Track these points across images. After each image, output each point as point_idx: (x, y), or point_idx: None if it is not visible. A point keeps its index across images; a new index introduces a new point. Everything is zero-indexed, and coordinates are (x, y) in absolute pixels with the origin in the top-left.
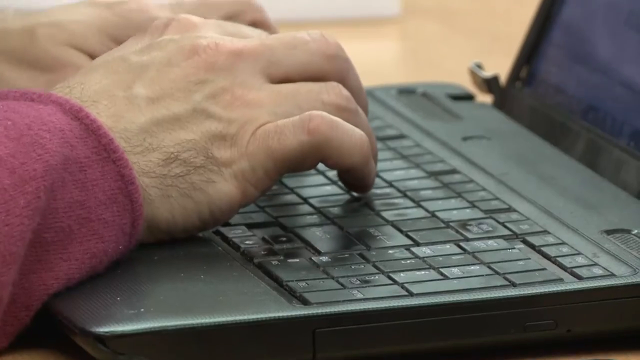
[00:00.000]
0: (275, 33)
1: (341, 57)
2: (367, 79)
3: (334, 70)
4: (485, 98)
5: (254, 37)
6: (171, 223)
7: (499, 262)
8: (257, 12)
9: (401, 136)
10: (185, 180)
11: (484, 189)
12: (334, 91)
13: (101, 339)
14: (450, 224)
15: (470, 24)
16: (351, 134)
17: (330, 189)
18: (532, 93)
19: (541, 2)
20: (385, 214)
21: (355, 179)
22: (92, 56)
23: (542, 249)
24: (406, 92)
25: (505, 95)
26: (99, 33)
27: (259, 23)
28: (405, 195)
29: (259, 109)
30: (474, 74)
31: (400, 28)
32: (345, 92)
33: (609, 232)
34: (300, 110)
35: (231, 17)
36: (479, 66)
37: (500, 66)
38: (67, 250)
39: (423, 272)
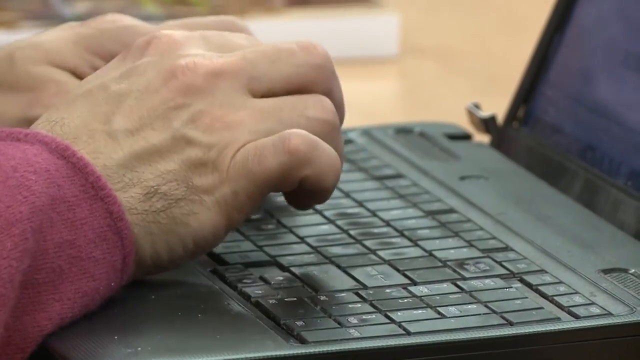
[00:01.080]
0: None
1: (327, 67)
2: (365, 118)
3: (319, 81)
4: (483, 138)
5: (237, 51)
6: (156, 258)
7: (496, 301)
8: (242, 31)
9: (398, 175)
10: (166, 215)
11: (481, 228)
12: (319, 105)
13: None
14: (448, 263)
15: (467, 65)
16: (329, 155)
17: (327, 228)
18: (530, 133)
19: (538, 42)
20: (382, 253)
21: (315, 200)
22: (71, 70)
23: (539, 288)
24: (403, 131)
25: (503, 135)
26: (75, 46)
27: None
28: (402, 235)
29: (240, 129)
30: (471, 114)
31: (398, 68)
32: (330, 105)
33: (606, 271)
34: (284, 127)
35: None
36: (477, 106)
37: (498, 106)
38: (58, 290)
39: (420, 311)
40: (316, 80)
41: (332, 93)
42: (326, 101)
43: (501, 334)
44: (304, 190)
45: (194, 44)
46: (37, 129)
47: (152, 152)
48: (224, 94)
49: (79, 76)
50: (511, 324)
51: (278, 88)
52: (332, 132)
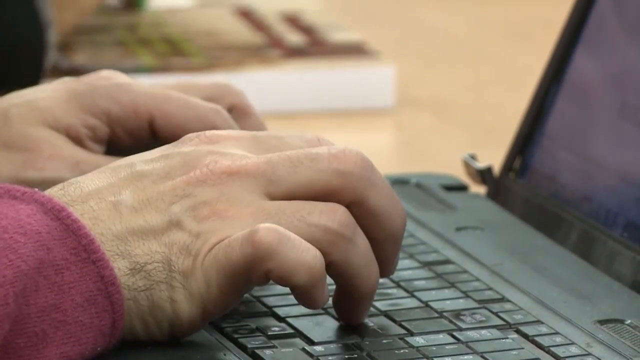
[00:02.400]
0: (254, 118)
1: (357, 174)
2: None
3: (346, 188)
4: (479, 189)
5: (267, 154)
6: (132, 334)
7: (492, 351)
8: (236, 96)
9: None
10: (146, 297)
11: (477, 279)
12: (327, 213)
13: None
14: (444, 313)
15: (464, 116)
16: (300, 251)
17: None
18: (526, 184)
19: (535, 93)
20: (378, 304)
21: (300, 300)
22: (65, 130)
23: (536, 338)
24: (400, 182)
25: (499, 186)
26: (68, 105)
27: (237, 107)
28: (398, 286)
29: (232, 223)
30: (467, 165)
31: (394, 119)
32: (343, 216)
33: (602, 322)
34: None
35: (211, 100)
36: (473, 157)
37: (494, 157)
38: (42, 355)
39: None
40: (343, 188)
41: (365, 201)
42: (339, 210)
43: None
44: (292, 291)
45: (237, 144)
46: (49, 189)
47: (147, 231)
48: (234, 192)
49: (73, 136)
50: None
51: (300, 193)
52: (337, 241)
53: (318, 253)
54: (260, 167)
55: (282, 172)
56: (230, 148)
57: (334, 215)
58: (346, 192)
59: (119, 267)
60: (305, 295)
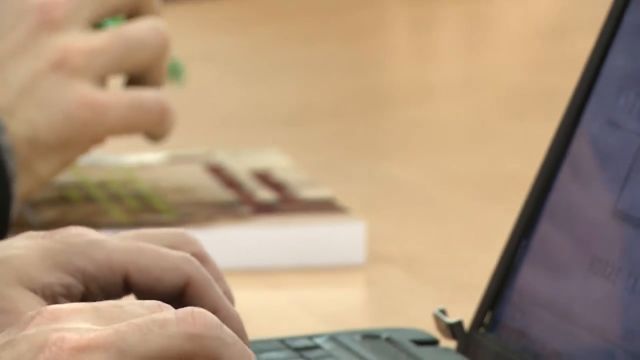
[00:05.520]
0: (212, 266)
1: (208, 335)
2: (332, 326)
3: (199, 351)
4: (450, 343)
5: (112, 325)
6: None
7: None
8: (194, 244)
9: None
10: None
11: None
12: None
13: None
14: None
15: (434, 272)
16: None
17: None
18: (496, 338)
19: (504, 249)
20: None
21: None
22: (41, 290)
23: None
24: (370, 337)
25: (469, 340)
26: (43, 262)
27: (196, 255)
28: None
29: None
30: (438, 320)
31: (365, 275)
32: None
33: None
34: None
35: (173, 248)
36: (443, 312)
37: (464, 313)
38: None
39: None
40: (195, 351)
41: None
42: None
43: None
44: None
45: (80, 317)
46: None
47: None
48: None
49: (48, 295)
50: None
51: None
52: None
53: None
54: (109, 339)
55: (132, 341)
56: (74, 322)
57: None
58: (200, 354)
59: None
60: None
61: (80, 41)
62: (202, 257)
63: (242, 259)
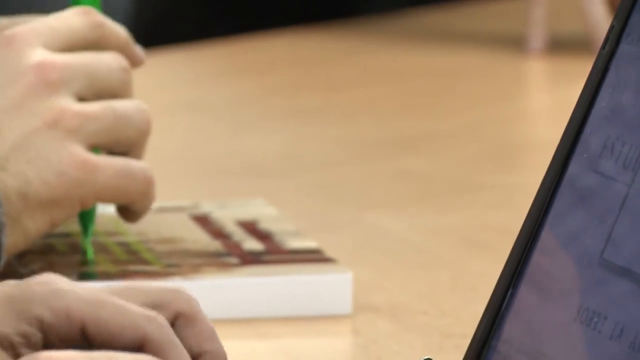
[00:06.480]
0: (201, 327)
1: None
2: None
3: None
4: None
5: None
6: None
7: None
8: (185, 303)
9: None
10: None
11: None
12: None
13: None
14: None
15: (420, 322)
16: None
17: None
18: None
19: (490, 299)
20: None
21: None
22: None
23: None
24: None
25: None
26: (2, 309)
27: (184, 315)
28: None
29: None
30: None
31: (351, 325)
32: None
33: None
34: None
35: (157, 306)
36: None
37: None
38: None
39: None
40: None
41: None
42: None
43: None
44: None
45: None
46: None
47: None
48: None
49: (6, 345)
50: None
51: None
52: None
53: None
54: None
55: None
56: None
57: None
58: None
59: None
60: None
61: (74, 105)
62: (191, 318)
63: (229, 308)
